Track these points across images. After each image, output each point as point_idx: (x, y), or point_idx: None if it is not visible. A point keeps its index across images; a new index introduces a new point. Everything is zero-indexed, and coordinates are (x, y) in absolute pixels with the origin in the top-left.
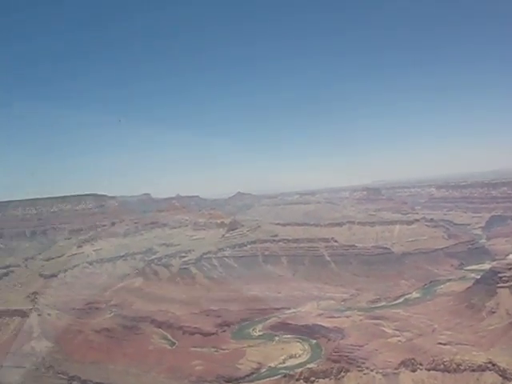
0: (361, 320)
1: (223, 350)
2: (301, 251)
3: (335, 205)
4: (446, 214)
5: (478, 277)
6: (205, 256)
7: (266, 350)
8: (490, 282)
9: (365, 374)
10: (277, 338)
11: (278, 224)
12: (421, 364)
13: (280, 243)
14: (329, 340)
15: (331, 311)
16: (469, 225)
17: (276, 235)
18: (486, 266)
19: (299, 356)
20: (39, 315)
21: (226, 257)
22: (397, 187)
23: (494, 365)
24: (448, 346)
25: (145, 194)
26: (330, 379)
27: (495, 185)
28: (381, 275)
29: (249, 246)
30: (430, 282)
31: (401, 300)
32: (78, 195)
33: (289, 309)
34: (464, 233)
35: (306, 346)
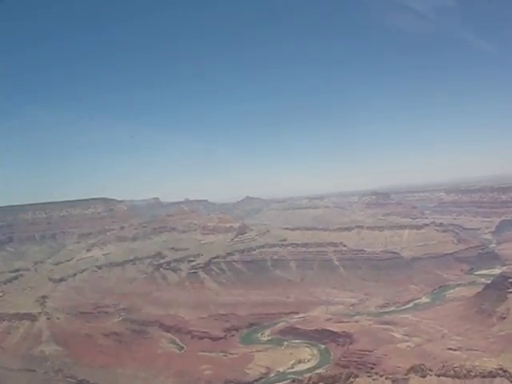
0: (370, 325)
1: (232, 354)
2: (309, 256)
3: (344, 209)
4: (455, 219)
5: (488, 282)
6: (213, 260)
7: (274, 354)
8: (500, 287)
9: (374, 379)
10: (285, 343)
11: (286, 228)
12: (430, 370)
13: (289, 248)
14: (338, 345)
15: (340, 316)
16: (479, 229)
17: (285, 240)
18: (497, 270)
19: (308, 361)
20: (48, 319)
21: (235, 261)
22: (406, 192)
23: (504, 371)
24: (458, 352)
25: (154, 199)
26: None
27: (505, 189)
28: (390, 280)
29: (257, 251)
30: (440, 286)
31: (410, 305)
32: (87, 199)
33: (297, 313)
34: (474, 237)
35: (315, 351)
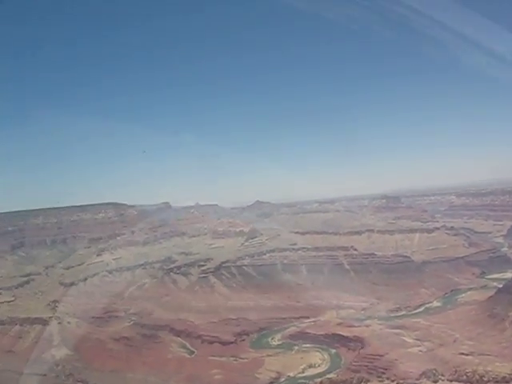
0: (381, 329)
1: (242, 359)
2: (320, 260)
3: (354, 213)
4: (466, 222)
5: (501, 286)
6: (224, 265)
7: (285, 359)
8: None
9: None
10: (296, 348)
11: (297, 232)
12: (442, 375)
13: (299, 252)
14: (348, 349)
15: (351, 320)
16: (490, 233)
17: (295, 244)
18: (509, 274)
19: (318, 366)
20: (59, 323)
21: (245, 265)
22: (416, 195)
23: None
24: (470, 357)
25: (164, 203)
26: None
27: None
28: (401, 284)
29: (268, 255)
30: (451, 290)
31: (421, 309)
32: (97, 204)
33: (308, 318)
34: (485, 241)
35: (326, 356)
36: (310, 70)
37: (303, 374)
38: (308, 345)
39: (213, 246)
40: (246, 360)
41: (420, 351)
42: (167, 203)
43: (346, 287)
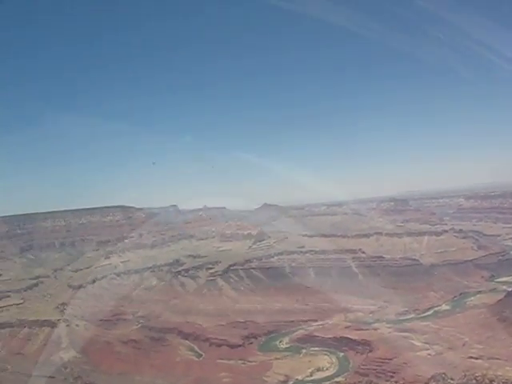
0: (389, 332)
1: (250, 362)
2: (328, 263)
3: (362, 216)
4: (475, 225)
5: (510, 289)
6: (232, 268)
7: (293, 362)
8: None
9: None
10: (304, 351)
11: (304, 235)
12: (452, 379)
13: (307, 255)
14: (357, 353)
15: (359, 323)
16: (499, 236)
17: (303, 246)
18: None
19: (327, 369)
20: (68, 326)
21: (253, 268)
22: (425, 198)
23: None
24: (480, 361)
25: (172, 206)
26: None
27: None
28: (409, 287)
29: (276, 258)
30: (460, 294)
31: (430, 312)
32: (105, 207)
33: (316, 321)
34: (494, 244)
35: (334, 359)
36: (318, 73)
37: (311, 378)
38: (316, 348)
39: (221, 248)
40: (254, 363)
41: (429, 355)
42: (175, 206)
43: (355, 290)
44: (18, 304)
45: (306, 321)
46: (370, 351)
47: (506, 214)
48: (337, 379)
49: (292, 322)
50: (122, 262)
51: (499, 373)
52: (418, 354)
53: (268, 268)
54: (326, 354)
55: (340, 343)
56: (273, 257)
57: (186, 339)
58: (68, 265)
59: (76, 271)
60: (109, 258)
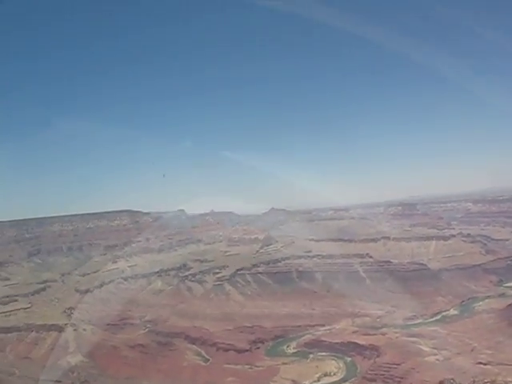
0: (397, 337)
1: (257, 367)
2: (335, 267)
3: (370, 220)
4: (483, 229)
5: None
6: (239, 272)
7: (300, 367)
8: None
9: None
10: (311, 356)
11: (312, 240)
12: None
13: (314, 259)
14: (364, 358)
15: (366, 328)
16: (507, 240)
17: (310, 251)
18: None
19: (334, 374)
20: (75, 330)
21: (260, 273)
22: (432, 202)
23: None
24: (489, 366)
25: (179, 210)
26: None
27: None
28: (417, 292)
29: (283, 262)
30: (468, 298)
31: (438, 317)
32: (113, 211)
33: (323, 326)
34: (502, 248)
35: (341, 364)
36: (325, 77)
37: (319, 383)
38: (323, 353)
39: (228, 253)
40: (261, 368)
41: (437, 360)
42: (182, 210)
43: (362, 295)
44: (25, 308)
45: (314, 325)
46: (378, 356)
47: None
48: None
49: (299, 326)
50: (129, 267)
51: (509, 379)
52: (426, 359)
53: (275, 272)
54: (333, 359)
55: (347, 348)
56: (280, 261)
57: (193, 344)
58: (75, 269)
59: (83, 275)
60: (116, 262)
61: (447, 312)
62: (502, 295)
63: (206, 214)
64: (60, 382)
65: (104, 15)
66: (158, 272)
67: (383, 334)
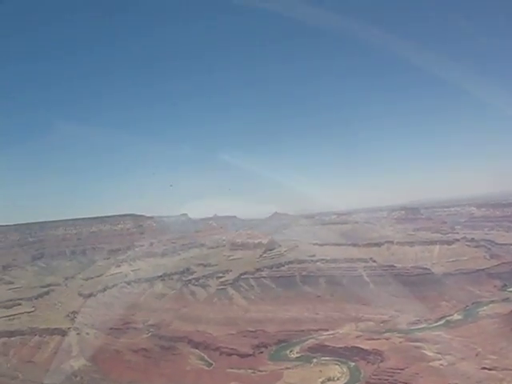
0: (401, 342)
1: (260, 371)
2: (339, 271)
3: (373, 225)
4: (487, 234)
5: None
6: (242, 276)
7: (303, 372)
8: None
9: None
10: (315, 360)
11: (315, 244)
12: None
13: (318, 263)
14: (368, 363)
15: (370, 333)
16: (511, 245)
17: (314, 255)
18: None
19: (337, 379)
20: (78, 334)
21: (264, 277)
22: (436, 206)
23: None
24: (493, 372)
25: (183, 215)
26: None
27: None
28: (421, 296)
29: (286, 267)
30: (472, 303)
31: (442, 322)
32: (116, 215)
33: (327, 330)
34: (507, 253)
35: (345, 369)
36: (327, 80)
37: None
38: (327, 358)
39: (231, 257)
40: (264, 373)
41: (441, 365)
42: (186, 215)
43: (366, 299)
44: (29, 312)
45: (317, 330)
46: (382, 361)
47: None
48: None
49: (303, 331)
50: (132, 271)
51: None
52: (430, 364)
53: (278, 277)
54: (336, 364)
55: (351, 353)
56: (283, 265)
57: (196, 348)
58: (79, 273)
59: (87, 279)
60: (119, 266)
61: (451, 317)
62: (507, 300)
63: (210, 219)
64: None
65: (103, 20)
66: (161, 276)
67: (387, 339)
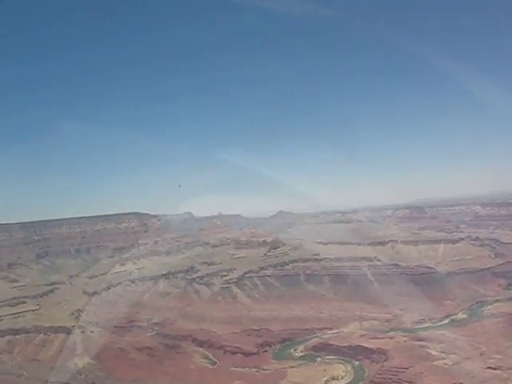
0: (405, 341)
1: (264, 370)
2: (343, 270)
3: (377, 223)
4: (492, 233)
5: None
6: (246, 275)
7: (307, 371)
8: None
9: None
10: (319, 359)
11: (319, 243)
12: None
13: (322, 262)
14: (372, 362)
15: (374, 332)
16: None
17: (318, 254)
18: None
19: (342, 378)
20: (82, 332)
21: (268, 276)
22: (440, 205)
23: None
24: (498, 371)
25: (187, 213)
26: None
27: None
28: (425, 295)
29: (290, 265)
30: (477, 302)
31: (446, 321)
32: (121, 214)
33: (331, 329)
34: (511, 252)
35: (349, 368)
36: (331, 78)
37: None
38: (331, 356)
39: (235, 256)
40: (268, 371)
41: (446, 364)
42: (190, 213)
43: (370, 298)
44: (33, 310)
45: (321, 329)
46: (386, 360)
47: None
48: None
49: (307, 329)
50: (136, 269)
51: None
52: (434, 363)
53: (283, 275)
54: (341, 363)
55: (355, 352)
56: (288, 264)
57: (201, 347)
58: (83, 271)
59: (91, 278)
60: (124, 264)
61: (456, 316)
62: (511, 299)
63: (214, 217)
64: None
65: (103, 20)
66: (165, 274)
67: (391, 338)
